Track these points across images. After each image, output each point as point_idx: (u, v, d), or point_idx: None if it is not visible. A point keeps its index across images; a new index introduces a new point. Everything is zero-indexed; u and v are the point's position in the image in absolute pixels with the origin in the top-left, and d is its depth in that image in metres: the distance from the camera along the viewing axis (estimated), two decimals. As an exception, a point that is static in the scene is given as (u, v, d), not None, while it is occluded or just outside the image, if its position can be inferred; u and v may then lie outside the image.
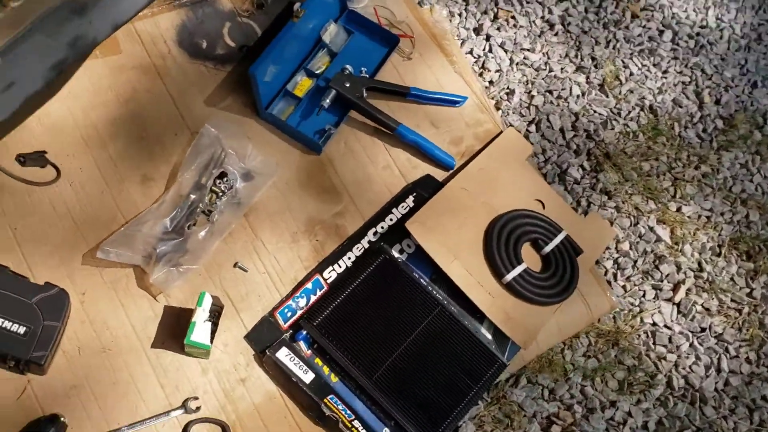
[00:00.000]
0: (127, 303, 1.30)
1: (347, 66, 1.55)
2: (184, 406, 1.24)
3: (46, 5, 1.14)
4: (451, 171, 1.55)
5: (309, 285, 1.38)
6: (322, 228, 1.44)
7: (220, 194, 1.40)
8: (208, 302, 1.26)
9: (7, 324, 1.16)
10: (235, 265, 1.38)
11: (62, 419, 1.16)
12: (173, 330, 1.28)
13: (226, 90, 1.52)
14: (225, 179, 1.42)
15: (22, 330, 1.16)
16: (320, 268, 1.40)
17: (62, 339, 1.22)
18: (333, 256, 1.42)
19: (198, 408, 1.24)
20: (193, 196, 1.38)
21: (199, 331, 1.24)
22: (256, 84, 1.43)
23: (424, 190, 1.51)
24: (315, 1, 1.52)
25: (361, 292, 1.37)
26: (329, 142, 1.52)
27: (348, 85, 1.52)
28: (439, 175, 1.55)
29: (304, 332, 1.32)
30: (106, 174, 1.39)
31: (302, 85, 1.55)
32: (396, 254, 1.43)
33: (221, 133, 1.44)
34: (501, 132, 1.62)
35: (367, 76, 1.56)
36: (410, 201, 1.50)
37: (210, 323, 1.25)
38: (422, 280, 1.40)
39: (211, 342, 1.25)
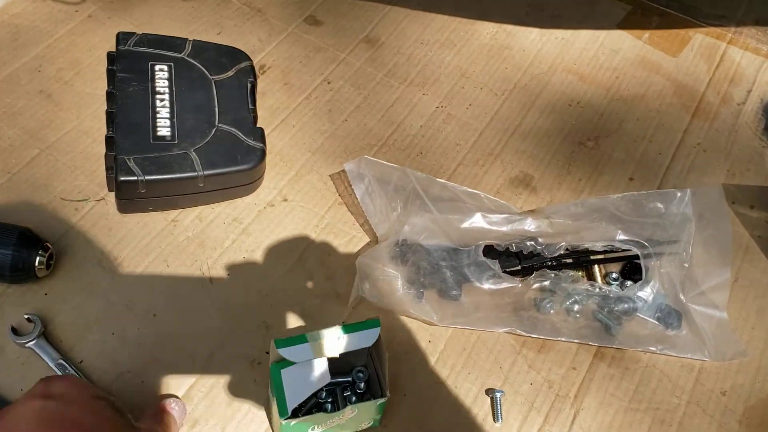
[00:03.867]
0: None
1: None
2: None
3: None
4: None
5: None
6: None
7: (601, 288, 0.66)
8: (354, 345, 0.54)
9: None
10: (488, 392, 0.61)
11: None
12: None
13: (772, 200, 0.77)
14: (622, 281, 0.68)
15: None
16: None
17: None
18: None
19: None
20: (565, 244, 0.67)
21: (293, 380, 0.53)
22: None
23: None
24: None
25: None
26: None
27: None
28: None
29: None
30: (491, 129, 0.80)
31: None
32: None
33: (704, 224, 0.70)
34: None
35: None
36: None
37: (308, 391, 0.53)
38: None
39: (290, 419, 0.53)
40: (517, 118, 0.82)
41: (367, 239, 0.70)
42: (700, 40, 0.91)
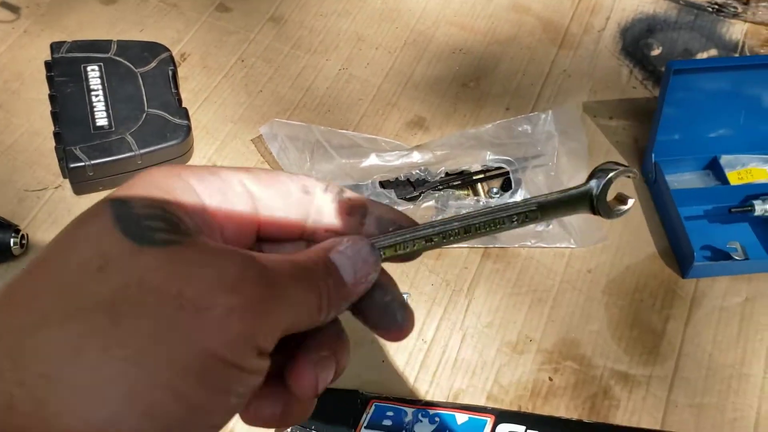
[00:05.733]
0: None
1: None
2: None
3: None
4: None
5: (468, 417, 0.67)
6: (583, 372, 0.71)
7: (482, 201, 0.80)
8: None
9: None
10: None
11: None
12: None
13: (626, 111, 0.91)
14: (501, 193, 0.82)
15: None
16: (504, 418, 0.68)
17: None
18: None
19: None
20: (444, 169, 0.81)
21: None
22: (661, 112, 0.79)
23: None
24: None
25: None
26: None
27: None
28: None
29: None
30: (387, 83, 0.93)
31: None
32: None
33: (566, 138, 0.84)
34: None
35: None
36: None
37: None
38: None
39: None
40: (409, 71, 0.95)
41: (288, 189, 0.83)
42: (563, -20, 1.04)
